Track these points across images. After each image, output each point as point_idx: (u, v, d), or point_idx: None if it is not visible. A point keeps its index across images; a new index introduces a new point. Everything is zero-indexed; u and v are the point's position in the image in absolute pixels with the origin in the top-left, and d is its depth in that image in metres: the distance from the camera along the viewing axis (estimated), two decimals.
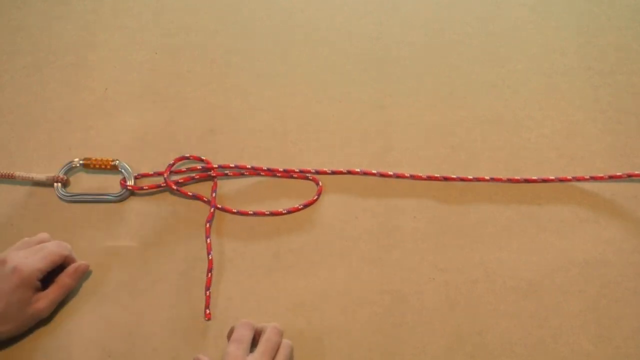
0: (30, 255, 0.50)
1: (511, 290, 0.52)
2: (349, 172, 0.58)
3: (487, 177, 0.57)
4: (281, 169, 0.58)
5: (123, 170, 0.58)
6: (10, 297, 0.47)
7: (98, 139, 0.61)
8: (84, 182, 0.59)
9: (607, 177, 0.56)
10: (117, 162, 0.58)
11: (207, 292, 0.52)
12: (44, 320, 0.51)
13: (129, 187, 0.57)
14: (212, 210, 0.56)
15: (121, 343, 0.51)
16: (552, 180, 0.57)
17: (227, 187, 0.58)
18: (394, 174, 0.57)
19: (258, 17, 0.69)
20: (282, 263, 0.54)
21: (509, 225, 0.55)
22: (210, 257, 0.54)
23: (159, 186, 0.57)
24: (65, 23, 0.69)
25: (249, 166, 0.58)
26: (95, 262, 0.54)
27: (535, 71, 0.64)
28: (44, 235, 0.53)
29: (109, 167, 0.58)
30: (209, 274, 0.53)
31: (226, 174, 0.58)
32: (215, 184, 0.58)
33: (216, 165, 0.58)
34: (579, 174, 0.57)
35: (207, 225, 0.55)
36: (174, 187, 0.57)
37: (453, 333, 0.50)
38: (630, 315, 0.50)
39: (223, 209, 0.56)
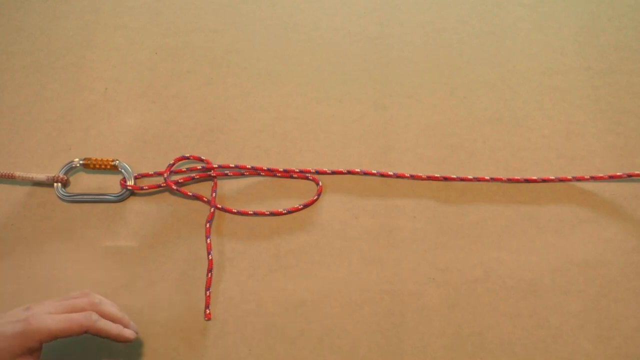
0: (55, 312, 0.44)
1: (511, 290, 0.52)
2: (349, 172, 0.58)
3: (487, 177, 0.57)
4: (281, 169, 0.58)
5: (123, 170, 0.58)
6: None
7: (98, 139, 0.61)
8: (84, 182, 0.59)
9: (607, 177, 0.56)
10: (117, 162, 0.58)
11: (207, 292, 0.52)
12: None
13: (129, 187, 0.57)
14: (212, 210, 0.56)
15: (119, 343, 0.49)
16: (552, 180, 0.56)
17: (227, 187, 0.58)
18: (394, 174, 0.57)
19: (258, 17, 0.68)
20: (282, 263, 0.54)
21: (508, 225, 0.55)
22: (210, 257, 0.54)
23: (159, 186, 0.57)
24: (65, 23, 0.68)
25: (249, 166, 0.58)
26: (96, 262, 0.54)
27: (535, 71, 0.63)
28: (87, 293, 0.47)
29: (108, 167, 0.58)
30: (209, 274, 0.53)
31: (226, 174, 0.58)
32: (215, 184, 0.58)
33: (216, 165, 0.58)
34: (579, 174, 0.57)
35: (207, 225, 0.55)
36: (174, 187, 0.57)
37: (453, 333, 0.50)
38: (630, 315, 0.50)
39: (223, 209, 0.56)
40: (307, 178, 0.58)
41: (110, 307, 0.47)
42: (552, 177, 0.57)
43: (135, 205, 0.57)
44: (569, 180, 0.56)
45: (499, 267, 0.53)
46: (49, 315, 0.44)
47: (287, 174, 0.58)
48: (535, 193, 0.56)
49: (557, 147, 0.59)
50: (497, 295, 0.51)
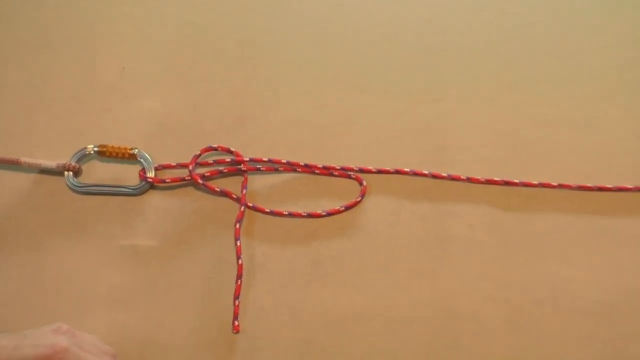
0: (83, 349, 0.45)
1: (582, 313, 0.51)
2: (397, 172, 0.57)
3: (554, 183, 0.56)
4: (320, 166, 0.57)
5: (142, 160, 0.57)
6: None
7: (114, 123, 0.60)
8: (98, 172, 0.58)
9: None
10: (136, 150, 0.58)
11: (236, 302, 0.51)
12: None
13: (148, 179, 0.57)
14: (242, 209, 0.55)
15: (135, 355, 0.50)
16: (629, 189, 0.55)
17: (259, 183, 0.58)
18: (448, 175, 0.57)
19: None
20: (320, 271, 0.53)
21: (580, 239, 0.54)
22: (240, 262, 0.53)
23: (183, 179, 0.57)
24: None
25: (284, 161, 0.57)
26: (110, 262, 0.54)
27: (611, 64, 0.62)
28: (115, 356, 0.48)
29: (126, 155, 0.57)
30: (239, 280, 0.52)
31: (258, 169, 0.58)
32: (246, 180, 0.57)
33: (247, 159, 0.57)
34: None
35: (237, 225, 0.54)
36: (200, 181, 0.56)
37: (514, 359, 0.49)
38: None
39: (254, 208, 0.56)
40: (349, 177, 0.57)
41: None
42: (630, 186, 0.55)
43: (155, 199, 0.57)
44: None
45: (569, 286, 0.52)
46: (76, 351, 0.44)
47: (327, 171, 0.57)
48: (610, 203, 0.55)
49: (635, 151, 0.57)
50: (566, 319, 0.50)
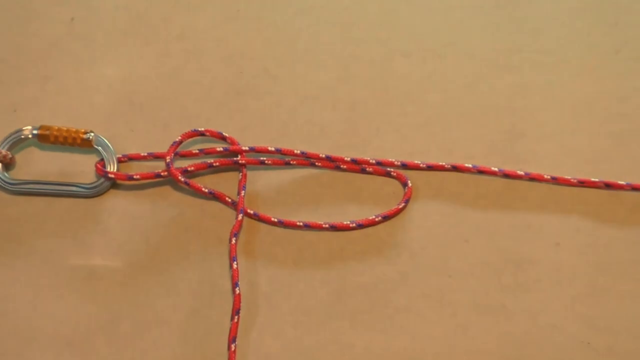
0: None
1: None
2: (455, 168, 0.58)
3: None
4: (348, 159, 0.58)
5: (100, 148, 0.58)
6: None
7: (61, 97, 0.61)
8: (39, 164, 0.59)
9: None
10: (92, 134, 0.58)
11: (232, 345, 0.52)
12: None
13: (109, 175, 0.57)
14: (239, 217, 0.56)
15: None
16: None
17: (263, 182, 0.58)
18: (526, 174, 0.57)
19: None
20: (348, 306, 0.53)
21: None
22: (237, 291, 0.53)
23: (157, 175, 0.57)
24: None
25: (298, 151, 0.58)
26: (56, 288, 0.54)
27: None
28: None
29: (78, 141, 0.58)
30: (236, 317, 0.53)
31: (262, 162, 0.58)
32: (245, 177, 0.58)
33: (246, 148, 0.58)
34: None
35: (233, 240, 0.55)
36: (181, 179, 0.56)
37: None
38: None
39: (257, 216, 0.56)
40: (388, 174, 0.58)
41: None
42: None
43: (119, 203, 0.57)
44: None
45: None
46: None
47: (358, 166, 0.58)
48: None
49: None
50: None
